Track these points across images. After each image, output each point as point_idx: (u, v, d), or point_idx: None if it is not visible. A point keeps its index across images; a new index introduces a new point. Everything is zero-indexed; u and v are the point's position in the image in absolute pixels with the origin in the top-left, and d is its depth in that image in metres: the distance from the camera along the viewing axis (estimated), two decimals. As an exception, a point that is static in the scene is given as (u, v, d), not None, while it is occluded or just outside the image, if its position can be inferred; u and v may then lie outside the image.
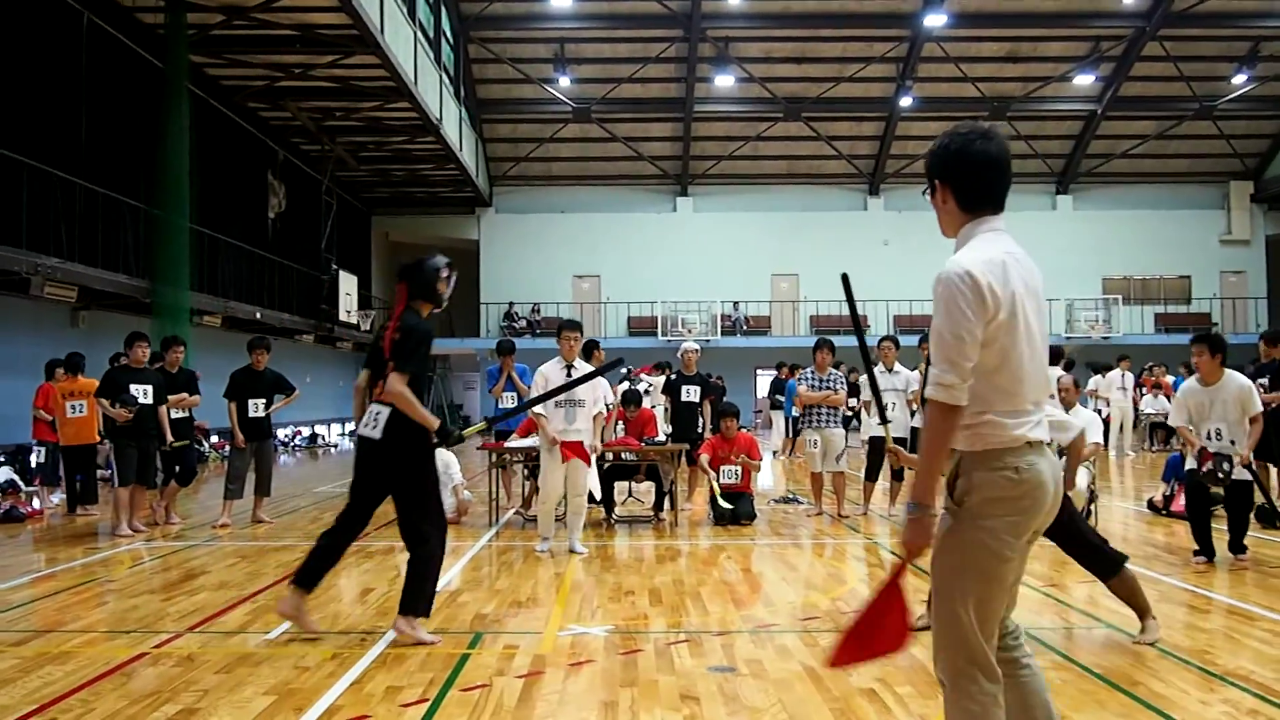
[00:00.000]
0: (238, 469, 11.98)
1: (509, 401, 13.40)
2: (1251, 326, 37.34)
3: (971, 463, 3.20)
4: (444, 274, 6.42)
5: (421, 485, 6.31)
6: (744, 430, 12.63)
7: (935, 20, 30.73)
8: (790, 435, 21.96)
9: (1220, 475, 8.50)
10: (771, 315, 36.70)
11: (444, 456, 12.15)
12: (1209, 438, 8.67)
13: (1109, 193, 37.64)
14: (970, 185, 3.39)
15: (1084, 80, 33.86)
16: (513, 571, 8.96)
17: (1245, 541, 8.84)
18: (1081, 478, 10.89)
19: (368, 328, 32.39)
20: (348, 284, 29.87)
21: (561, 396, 9.57)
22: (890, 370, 12.32)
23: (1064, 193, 37.72)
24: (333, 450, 28.54)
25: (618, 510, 12.39)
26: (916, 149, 36.21)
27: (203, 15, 19.86)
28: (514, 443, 11.82)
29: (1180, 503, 11.96)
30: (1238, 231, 37.74)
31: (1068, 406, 11.35)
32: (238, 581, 8.50)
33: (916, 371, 12.34)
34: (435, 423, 6.23)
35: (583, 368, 9.95)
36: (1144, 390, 22.77)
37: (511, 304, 36.10)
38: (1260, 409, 8.75)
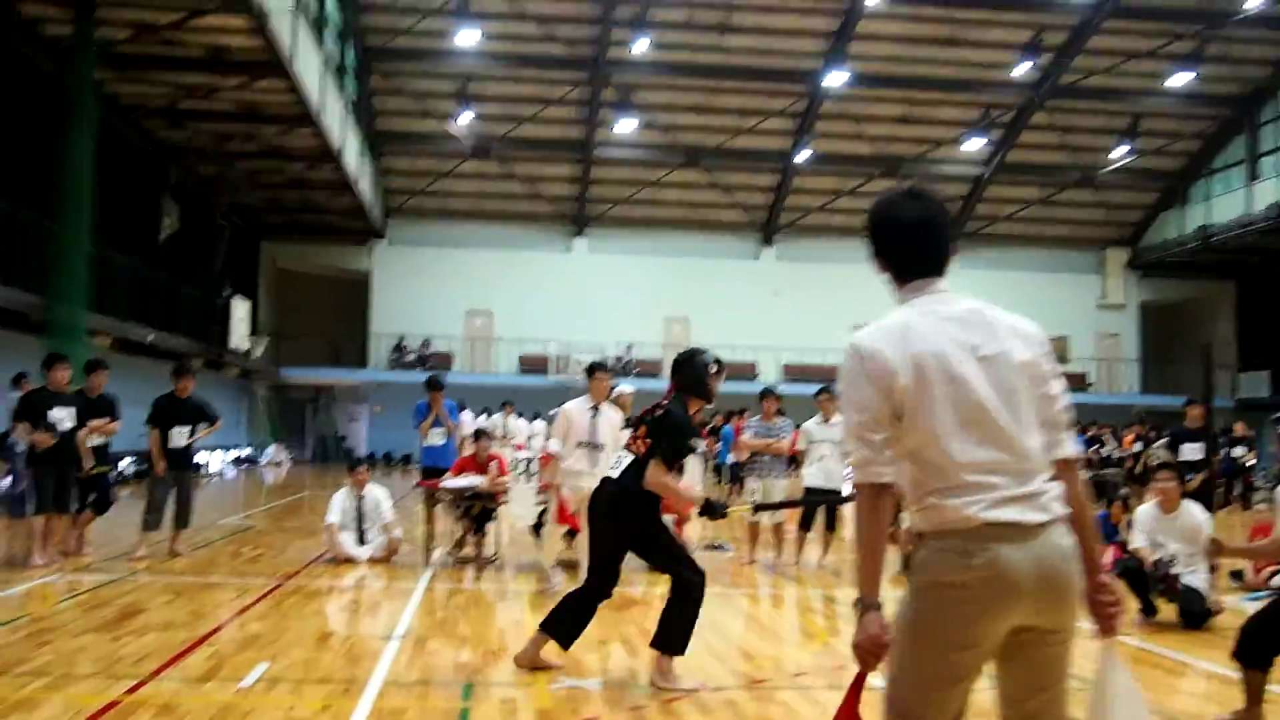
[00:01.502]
0: (157, 499, 11.45)
1: (437, 439, 13.13)
2: (1124, 388, 38.89)
3: (924, 540, 2.89)
4: (713, 369, 6.40)
5: (654, 533, 6.35)
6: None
7: (836, 79, 31.41)
8: (729, 482, 22.16)
9: (1163, 589, 8.79)
10: (664, 358, 36.78)
11: (374, 493, 11.82)
12: (1169, 560, 8.95)
13: (993, 254, 38.73)
14: (897, 252, 3.13)
15: (974, 145, 34.93)
16: (469, 616, 8.69)
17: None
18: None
19: (259, 354, 31.57)
20: (240, 310, 29.02)
21: (584, 438, 9.61)
22: (828, 422, 12.39)
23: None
24: (218, 479, 27.54)
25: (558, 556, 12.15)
26: (810, 202, 36.90)
27: (109, 30, 19.20)
28: (450, 482, 11.53)
29: (1106, 560, 12.28)
30: (1113, 296, 39.24)
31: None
32: (183, 621, 8.06)
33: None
34: (700, 498, 6.34)
35: (607, 410, 9.83)
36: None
37: (402, 337, 35.53)
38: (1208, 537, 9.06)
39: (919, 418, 2.86)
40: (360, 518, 11.69)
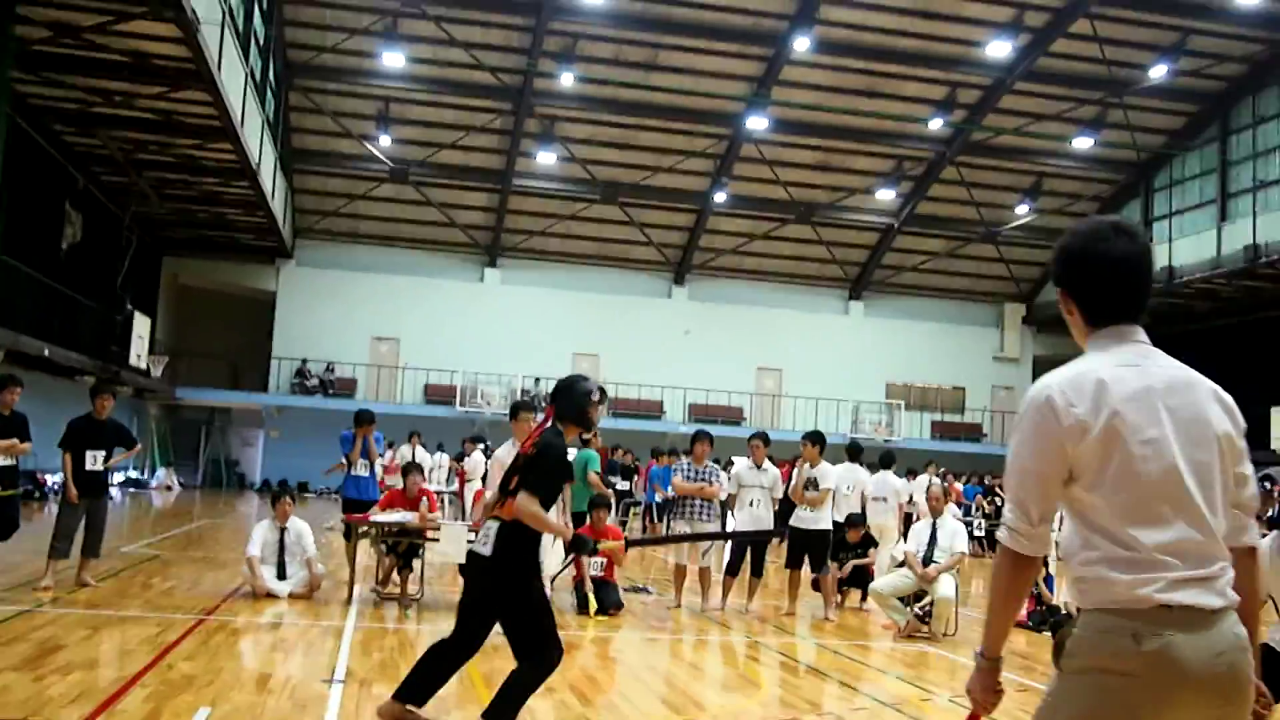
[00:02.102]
0: (67, 526, 10.93)
1: (363, 470, 12.86)
2: (1017, 440, 39.66)
3: (1082, 619, 2.64)
4: (594, 398, 6.06)
5: (529, 605, 5.75)
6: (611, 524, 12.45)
7: (757, 123, 31.73)
8: (657, 522, 22.10)
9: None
10: (571, 394, 36.56)
11: (297, 526, 11.48)
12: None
13: (897, 303, 39.44)
14: (1095, 294, 2.81)
15: (885, 195, 35.54)
16: (408, 658, 8.43)
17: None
18: (948, 585, 11.22)
19: (158, 374, 30.64)
20: (141, 326, 28.13)
21: None
22: (759, 467, 12.39)
23: (856, 299, 39.31)
24: (111, 501, 26.55)
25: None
26: (723, 243, 37.17)
27: (27, 29, 18.53)
28: (380, 516, 11.24)
29: (1020, 613, 12.46)
30: (1009, 349, 40.16)
31: (936, 515, 11.72)
32: (107, 659, 7.70)
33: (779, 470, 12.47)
34: (569, 533, 6.03)
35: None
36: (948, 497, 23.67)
37: (305, 361, 34.80)
38: None
39: (1102, 482, 2.62)
40: (282, 551, 11.33)
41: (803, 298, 38.90)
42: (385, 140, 32.36)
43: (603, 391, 6.17)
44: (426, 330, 35.49)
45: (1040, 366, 40.34)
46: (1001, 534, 2.75)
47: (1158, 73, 30.13)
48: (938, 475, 24.34)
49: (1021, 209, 36.39)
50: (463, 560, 11.10)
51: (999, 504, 26.81)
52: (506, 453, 9.64)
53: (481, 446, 21.41)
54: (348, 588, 11.28)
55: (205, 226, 31.68)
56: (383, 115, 31.97)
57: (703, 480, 12.23)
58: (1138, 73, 30.45)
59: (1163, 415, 2.64)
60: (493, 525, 5.73)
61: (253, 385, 35.13)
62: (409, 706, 5.82)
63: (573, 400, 5.96)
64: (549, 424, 5.92)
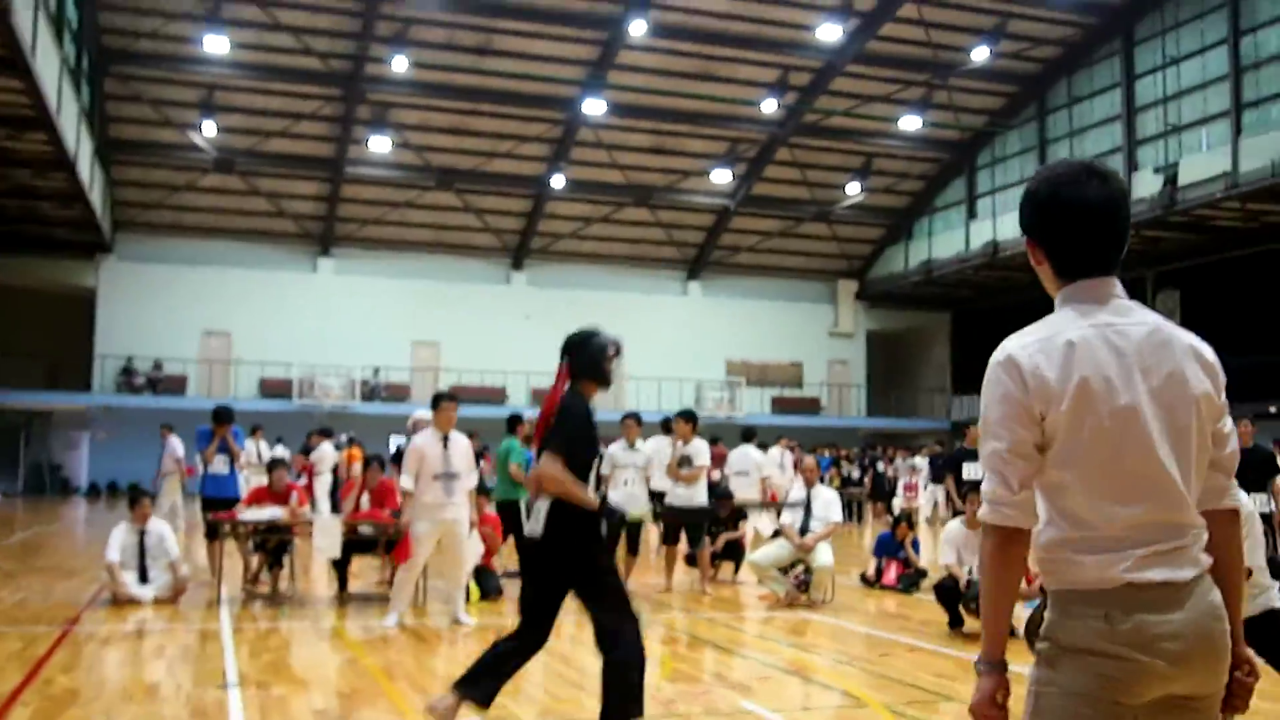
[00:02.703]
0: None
1: (222, 466, 12.40)
2: (853, 411, 40.89)
3: (1052, 600, 2.49)
4: (610, 352, 5.68)
5: (599, 578, 5.40)
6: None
7: (593, 107, 31.69)
8: None
9: (973, 606, 9.21)
10: (412, 382, 36.05)
11: (157, 528, 10.99)
12: (971, 573, 9.41)
13: (734, 282, 40.04)
14: (1068, 241, 2.58)
15: (721, 177, 35.98)
16: (297, 657, 8.19)
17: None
18: (826, 554, 11.44)
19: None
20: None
21: (439, 469, 9.36)
22: (632, 447, 12.40)
23: (695, 279, 39.75)
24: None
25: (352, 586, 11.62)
26: (561, 228, 37.11)
27: None
28: (248, 513, 10.84)
29: (890, 577, 12.81)
30: (844, 325, 41.22)
31: (810, 485, 11.94)
32: (-24, 676, 7.21)
33: (663, 444, 12.50)
34: (595, 502, 5.35)
35: (457, 438, 9.62)
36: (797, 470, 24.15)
37: (131, 358, 33.34)
38: None
39: (1068, 456, 2.45)
40: (143, 554, 10.82)
41: (642, 279, 39.15)
42: (209, 129, 31.16)
43: (618, 346, 5.75)
44: (260, 323, 34.42)
45: (873, 341, 41.68)
46: (983, 512, 2.52)
47: (979, 55, 31.26)
48: (790, 449, 24.82)
49: (852, 188, 37.33)
50: (338, 555, 10.86)
51: (844, 475, 27.55)
52: (427, 440, 9.50)
53: (345, 439, 21.04)
54: (215, 589, 10.84)
55: (17, 220, 30.01)
56: (206, 103, 30.79)
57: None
58: (961, 55, 31.53)
59: (1137, 380, 2.46)
60: (542, 505, 5.38)
61: (74, 386, 33.48)
62: (472, 704, 5.42)
63: (588, 355, 5.59)
64: (565, 385, 5.57)
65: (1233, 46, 27.72)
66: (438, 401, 9.69)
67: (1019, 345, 2.51)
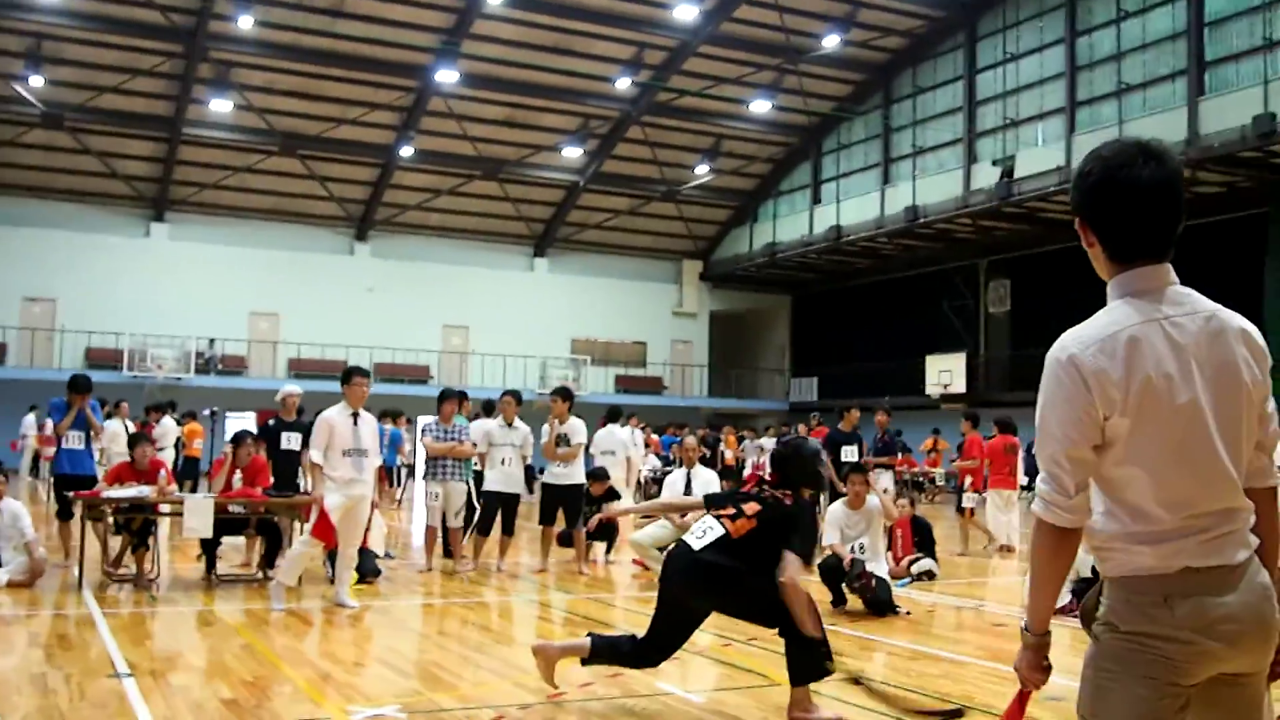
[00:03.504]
0: None
1: (75, 441, 11.75)
2: (696, 391, 41.33)
3: (1109, 588, 2.56)
4: (822, 456, 6.43)
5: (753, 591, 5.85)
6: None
7: (446, 76, 31.13)
8: (394, 485, 21.59)
9: (859, 585, 9.45)
10: (249, 355, 34.91)
11: (11, 508, 10.35)
12: (854, 551, 9.68)
13: (581, 259, 39.97)
14: (1117, 226, 2.56)
15: (571, 153, 35.83)
16: (184, 643, 7.83)
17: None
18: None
19: None
20: None
21: (349, 445, 9.16)
22: (510, 425, 12.27)
23: (541, 256, 39.54)
24: None
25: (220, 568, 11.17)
26: (409, 199, 36.41)
27: None
28: (113, 492, 10.29)
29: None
30: (688, 305, 41.61)
31: (690, 465, 12.01)
32: None
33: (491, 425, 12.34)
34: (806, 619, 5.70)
35: (367, 415, 9.44)
36: (648, 449, 24.32)
37: (-56, 326, 31.38)
38: (896, 516, 9.91)
39: (1130, 454, 2.47)
40: (-7, 534, 10.18)
41: (488, 254, 38.75)
42: (37, 81, 29.44)
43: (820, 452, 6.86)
44: (87, 289, 32.75)
45: (716, 321, 42.19)
46: (1037, 506, 2.56)
47: (830, 42, 31.85)
48: (640, 428, 24.95)
49: (701, 169, 37.66)
50: (209, 534, 10.40)
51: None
52: (337, 415, 9.33)
53: (186, 414, 20.23)
54: (75, 572, 10.26)
55: None
56: (34, 53, 29.06)
57: (453, 439, 11.99)
58: (812, 41, 32.05)
59: (1195, 374, 2.47)
60: (716, 529, 5.82)
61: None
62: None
63: (804, 467, 6.22)
64: (783, 493, 5.99)
65: (1069, 46, 28.91)
66: (349, 376, 9.45)
67: (1080, 345, 2.50)
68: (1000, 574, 13.21)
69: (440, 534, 12.15)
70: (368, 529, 11.30)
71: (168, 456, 19.10)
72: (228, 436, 11.90)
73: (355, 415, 9.33)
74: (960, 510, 15.08)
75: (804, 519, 5.96)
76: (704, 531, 5.87)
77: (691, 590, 5.93)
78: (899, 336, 36.07)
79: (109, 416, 16.77)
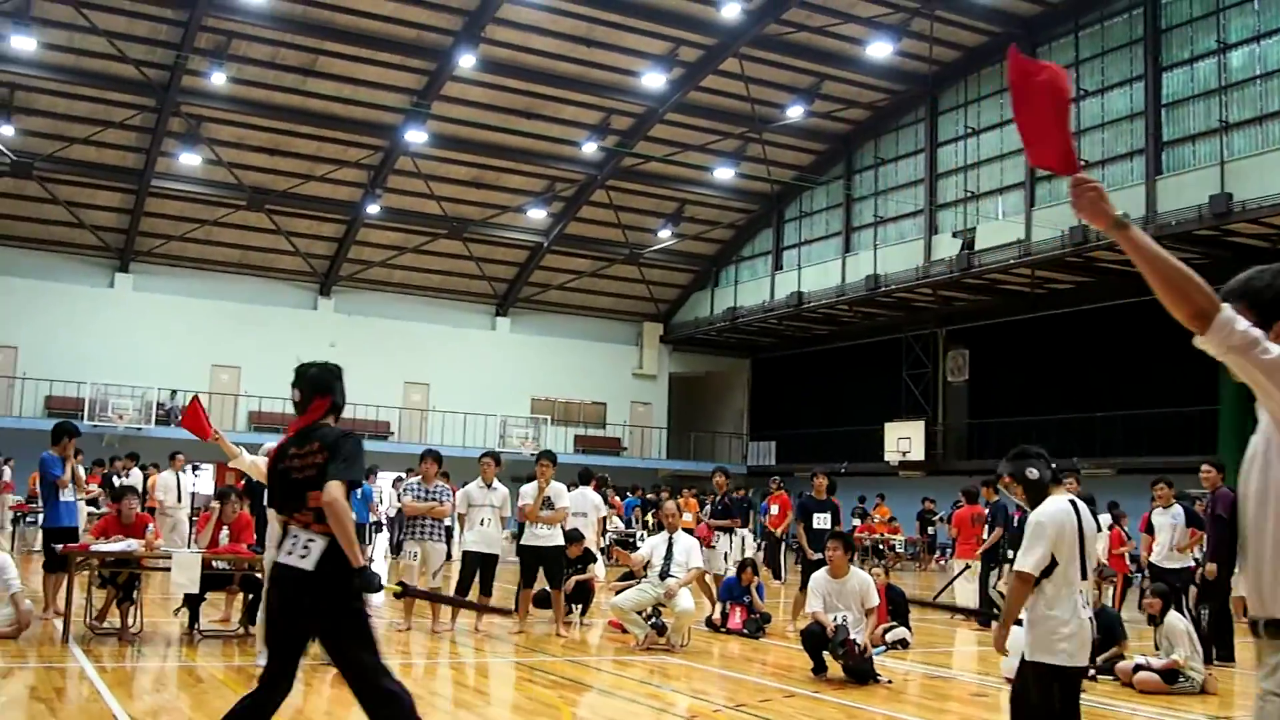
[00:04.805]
0: None
1: (69, 494, 11.79)
2: (654, 453, 41.51)
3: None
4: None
5: (366, 626, 4.95)
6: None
7: (415, 136, 31.44)
8: (366, 543, 21.59)
9: (843, 651, 9.62)
10: (210, 407, 34.50)
11: (-2, 559, 10.36)
12: (836, 620, 9.83)
13: (543, 320, 40.22)
14: None
15: (536, 214, 36.18)
16: (189, 700, 7.88)
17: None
18: (687, 599, 11.71)
19: None
20: None
21: None
22: (489, 486, 12.41)
23: (504, 315, 39.74)
24: None
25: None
26: (373, 255, 36.57)
27: None
28: (101, 545, 10.33)
29: (735, 621, 13.16)
30: (648, 367, 41.88)
31: (671, 530, 12.21)
32: None
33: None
34: (362, 561, 4.94)
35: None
36: (612, 509, 24.42)
37: (-100, 373, 31.01)
38: (877, 602, 10.15)
39: None
40: (-22, 586, 10.18)
41: (451, 313, 38.90)
42: (7, 130, 29.43)
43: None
44: (49, 338, 32.48)
45: (675, 383, 42.51)
46: None
47: (794, 112, 32.51)
48: (607, 490, 25.07)
49: (664, 233, 38.14)
50: (196, 590, 10.46)
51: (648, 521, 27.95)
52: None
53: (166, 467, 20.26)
54: (61, 625, 10.27)
55: None
56: (5, 103, 29.09)
57: (433, 499, 12.13)
58: (776, 111, 32.70)
59: None
60: (315, 540, 4.92)
61: None
62: None
63: (342, 387, 5.45)
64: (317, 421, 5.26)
65: (1028, 124, 29.68)
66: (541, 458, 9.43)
67: None
68: (971, 644, 13.46)
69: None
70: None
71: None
72: (198, 488, 11.97)
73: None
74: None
75: (345, 446, 5.02)
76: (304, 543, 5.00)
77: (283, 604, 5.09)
78: (858, 403, 36.52)
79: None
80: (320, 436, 5.12)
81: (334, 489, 4.85)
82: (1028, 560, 5.60)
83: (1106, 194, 2.80)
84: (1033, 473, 6.00)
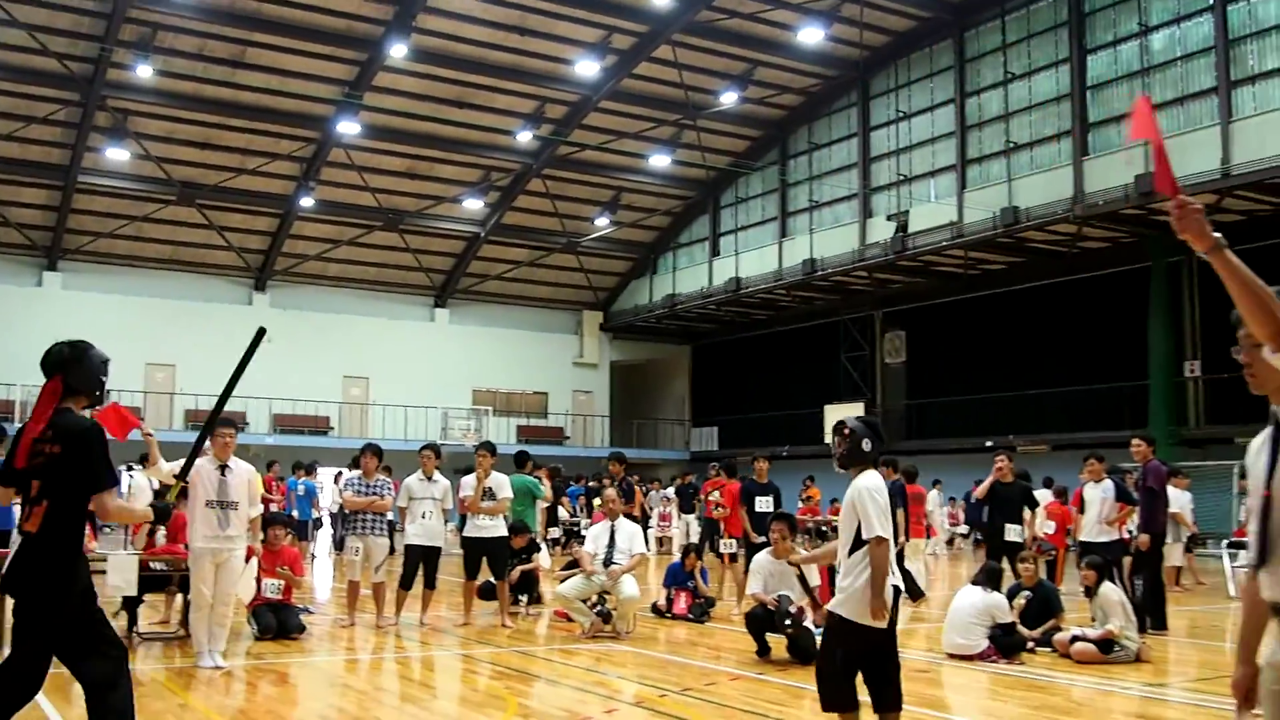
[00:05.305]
0: None
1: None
2: (597, 441, 41.47)
3: None
4: (108, 365, 5.18)
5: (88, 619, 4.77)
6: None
7: (348, 128, 31.17)
8: (307, 539, 21.49)
9: (788, 624, 9.71)
10: (145, 407, 34.17)
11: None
12: (774, 596, 9.91)
13: (482, 310, 40.09)
14: None
15: (473, 204, 36.03)
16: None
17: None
18: (631, 586, 11.73)
19: None
20: None
21: (213, 496, 8.99)
22: (430, 479, 12.34)
23: (442, 306, 39.55)
24: None
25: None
26: (308, 248, 36.21)
27: None
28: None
29: (680, 606, 13.22)
30: (589, 355, 41.90)
31: (613, 518, 12.22)
32: None
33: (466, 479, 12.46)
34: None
35: (237, 465, 9.33)
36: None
37: None
38: (819, 582, 10.23)
39: None
40: (-93, 594, 9.96)
41: (389, 305, 38.68)
42: (-74, 129, 28.80)
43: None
44: (-27, 340, 31.84)
45: (617, 371, 42.55)
46: None
47: (728, 99, 32.65)
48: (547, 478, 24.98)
49: (601, 221, 38.13)
50: (134, 592, 10.32)
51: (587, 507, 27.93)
52: (201, 465, 9.11)
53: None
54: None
55: None
56: (-76, 101, 28.46)
57: (374, 494, 12.04)
58: (710, 97, 32.81)
59: None
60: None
61: None
62: None
63: (90, 368, 5.19)
64: (59, 405, 5.00)
65: (959, 106, 30.09)
66: (214, 427, 9.24)
67: None
68: (912, 621, 13.62)
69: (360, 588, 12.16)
70: (290, 585, 11.32)
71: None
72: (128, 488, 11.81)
73: (223, 466, 9.24)
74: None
75: (93, 446, 4.80)
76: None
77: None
78: (798, 386, 36.81)
79: None
80: (57, 425, 4.76)
81: (107, 501, 4.81)
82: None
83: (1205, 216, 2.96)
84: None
